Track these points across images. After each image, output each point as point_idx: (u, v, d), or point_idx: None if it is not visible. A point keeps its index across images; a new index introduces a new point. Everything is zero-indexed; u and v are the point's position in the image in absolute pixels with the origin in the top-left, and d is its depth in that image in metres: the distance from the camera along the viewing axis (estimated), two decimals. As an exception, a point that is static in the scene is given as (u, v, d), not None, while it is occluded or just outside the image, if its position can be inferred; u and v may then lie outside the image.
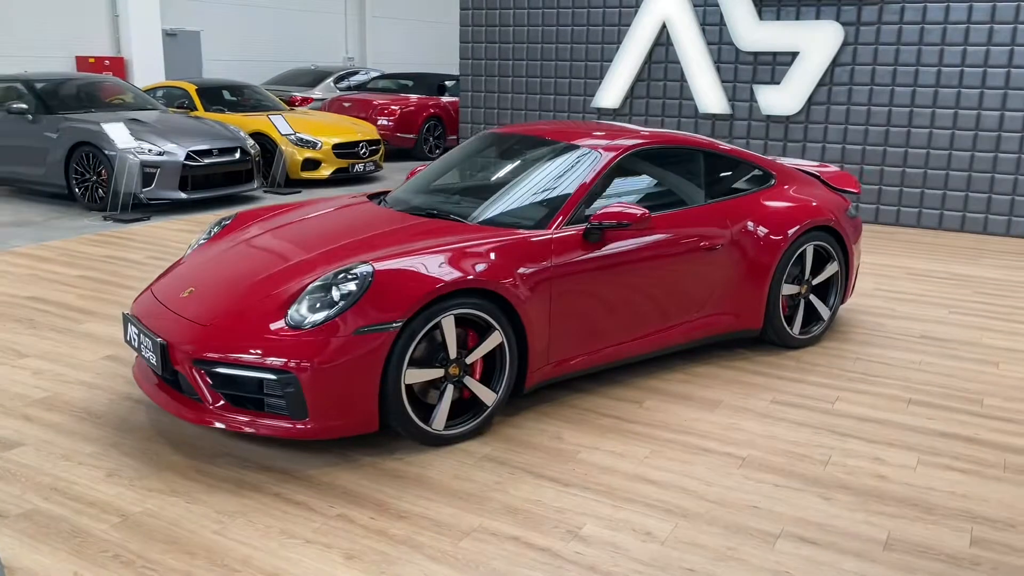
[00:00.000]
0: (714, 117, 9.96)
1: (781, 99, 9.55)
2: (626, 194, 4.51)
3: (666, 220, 4.42)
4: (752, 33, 9.54)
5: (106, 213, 8.83)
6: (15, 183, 9.85)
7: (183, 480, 3.31)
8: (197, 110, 11.71)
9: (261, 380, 3.33)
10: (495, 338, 3.70)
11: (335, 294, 3.42)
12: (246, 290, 3.65)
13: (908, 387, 4.47)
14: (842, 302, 5.26)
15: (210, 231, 4.47)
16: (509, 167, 4.74)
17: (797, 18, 9.36)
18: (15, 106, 9.54)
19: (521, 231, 3.98)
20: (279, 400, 3.33)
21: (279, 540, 2.92)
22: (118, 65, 14.75)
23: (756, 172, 5.07)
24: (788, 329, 4.93)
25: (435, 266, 3.56)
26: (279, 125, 10.51)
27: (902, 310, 5.90)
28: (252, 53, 17.58)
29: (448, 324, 3.55)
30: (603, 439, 3.78)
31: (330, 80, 16.47)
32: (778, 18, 9.45)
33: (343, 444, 3.62)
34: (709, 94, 9.89)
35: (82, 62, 14.28)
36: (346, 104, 14.46)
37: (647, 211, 4.09)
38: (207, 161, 9.30)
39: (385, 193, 4.94)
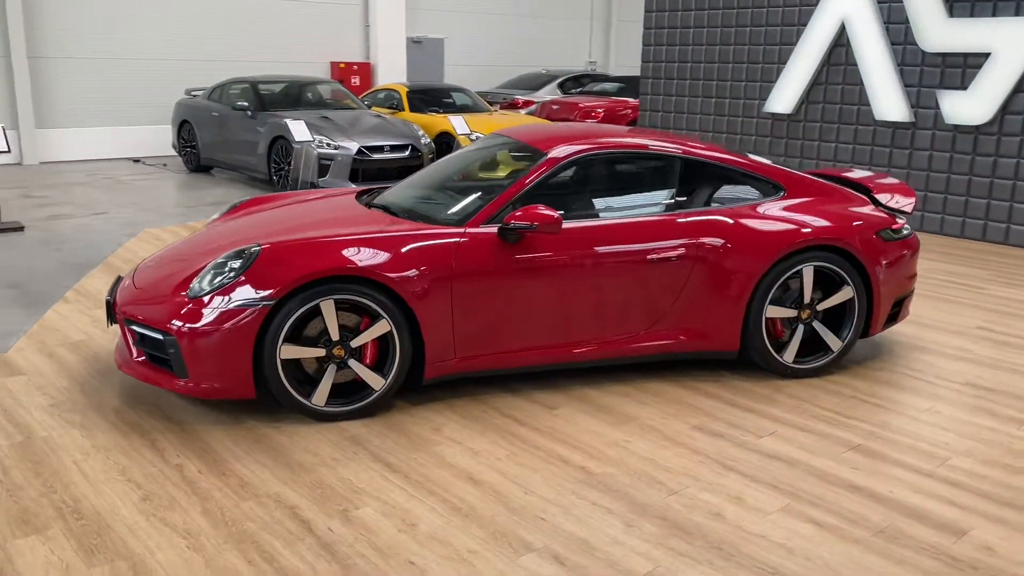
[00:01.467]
0: (893, 125, 9.00)
1: (969, 106, 8.40)
2: (574, 199, 4.44)
3: (610, 228, 4.28)
4: (940, 32, 8.50)
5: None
6: (238, 170, 11.49)
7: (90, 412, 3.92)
8: (403, 110, 12.80)
9: (156, 339, 3.83)
10: (382, 326, 3.89)
11: (226, 269, 3.83)
12: (190, 264, 4.17)
13: (872, 435, 3.93)
14: (870, 333, 4.67)
15: (224, 212, 5.09)
16: (478, 168, 4.84)
17: (993, 14, 8.17)
18: (239, 104, 11.15)
19: (436, 227, 4.11)
20: (168, 359, 3.81)
21: (112, 476, 3.39)
22: (365, 70, 16.44)
23: (757, 183, 4.68)
24: (776, 356, 4.51)
25: (324, 251, 3.83)
26: (457, 125, 11.19)
27: (977, 350, 5.08)
28: (493, 59, 18.62)
29: (327, 307, 3.80)
30: (476, 437, 3.81)
31: (555, 84, 17.01)
32: (971, 15, 8.32)
33: (241, 406, 4.03)
34: (888, 100, 8.96)
35: (334, 67, 16.12)
36: (555, 107, 14.90)
37: (557, 215, 4.02)
38: (377, 156, 10.20)
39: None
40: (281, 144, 10.30)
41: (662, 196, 4.57)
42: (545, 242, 4.14)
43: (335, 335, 3.86)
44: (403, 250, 3.94)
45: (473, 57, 18.39)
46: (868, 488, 3.42)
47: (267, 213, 4.76)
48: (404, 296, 3.89)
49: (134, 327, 3.93)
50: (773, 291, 4.42)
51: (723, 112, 10.65)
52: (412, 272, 3.90)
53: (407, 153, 10.48)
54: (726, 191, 4.65)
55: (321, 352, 3.87)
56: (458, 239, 4.04)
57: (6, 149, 7.87)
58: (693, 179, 4.62)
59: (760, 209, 4.54)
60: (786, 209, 4.58)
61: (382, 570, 2.80)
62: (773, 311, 4.46)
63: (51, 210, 9.24)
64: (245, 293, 3.72)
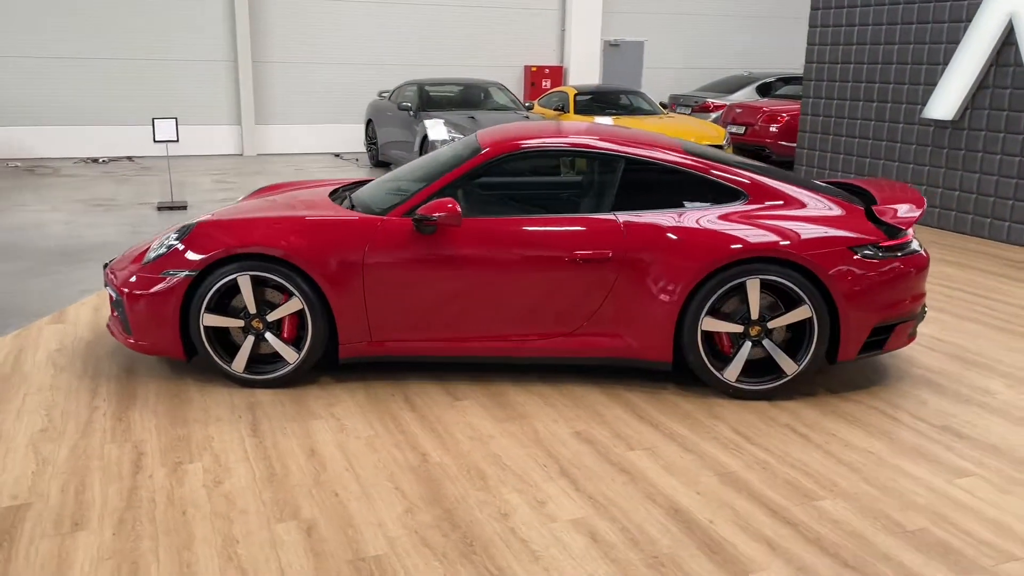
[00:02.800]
0: (1065, 135, 7.76)
1: None
2: (505, 195, 4.44)
3: (530, 224, 4.25)
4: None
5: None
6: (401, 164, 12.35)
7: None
8: (568, 112, 13.01)
9: (115, 300, 4.42)
10: (294, 304, 4.20)
11: (168, 241, 4.33)
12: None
13: (755, 464, 3.59)
14: (837, 359, 4.21)
15: (246, 195, 5.65)
16: (440, 162, 4.97)
17: None
18: (403, 104, 11.98)
19: (356, 215, 4.33)
20: (121, 317, 4.39)
21: (39, 409, 4.00)
22: (556, 74, 16.80)
23: (713, 189, 4.38)
24: (716, 372, 4.22)
25: (245, 231, 4.21)
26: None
27: (1004, 394, 4.38)
28: (696, 61, 18.19)
29: (244, 282, 4.17)
30: (359, 417, 3.99)
31: (752, 87, 16.30)
32: None
33: (202, 366, 4.52)
34: (1060, 105, 7.74)
35: (527, 71, 16.65)
36: (738, 111, 14.33)
37: (454, 210, 4.08)
38: (512, 155, 10.48)
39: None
40: (428, 142, 10.93)
41: (597, 196, 4.43)
42: (461, 235, 4.20)
43: (251, 308, 4.22)
44: (318, 235, 4.20)
45: (672, 60, 18.09)
46: (688, 513, 3.16)
47: (265, 198, 5.23)
48: (315, 277, 4.15)
49: (108, 288, 4.55)
50: (711, 302, 4.13)
51: (883, 118, 9.72)
52: (324, 256, 4.15)
53: (544, 153, 10.64)
54: (673, 195, 4.39)
55: (239, 323, 4.24)
56: (373, 228, 4.23)
57: (175, 139, 9.13)
58: (636, 181, 4.42)
59: (703, 215, 4.26)
60: (735, 217, 4.25)
61: (157, 520, 3.09)
62: (712, 324, 4.17)
63: (228, 193, 10.53)
64: (175, 263, 4.18)
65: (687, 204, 4.34)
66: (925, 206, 4.50)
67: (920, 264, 4.32)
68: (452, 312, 4.27)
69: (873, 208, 4.40)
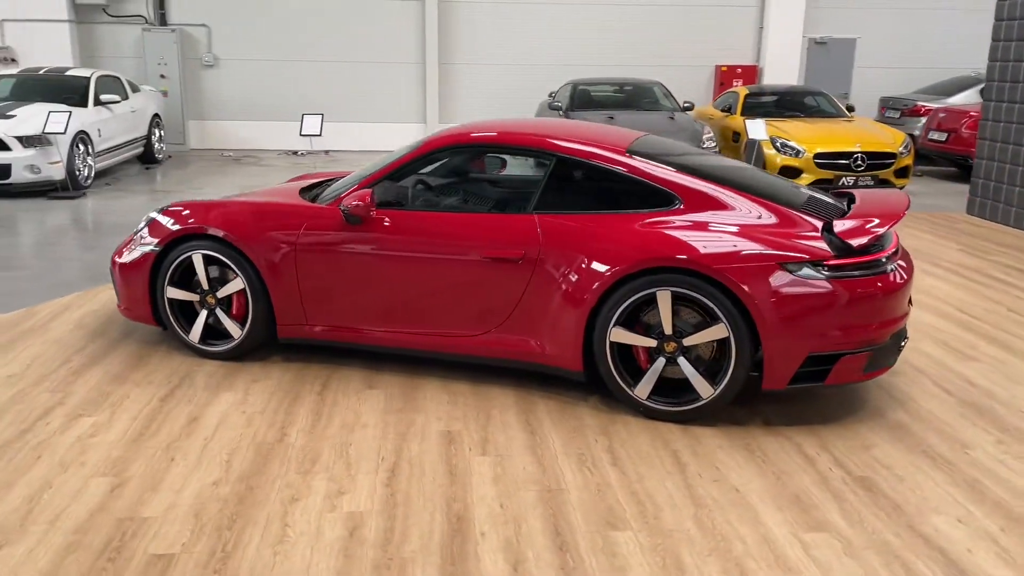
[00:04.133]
0: None
1: None
2: (437, 189, 4.43)
3: (451, 220, 4.22)
4: None
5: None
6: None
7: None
8: (735, 113, 12.41)
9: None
10: (237, 283, 4.51)
11: (147, 218, 4.80)
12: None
13: (591, 486, 3.34)
14: (763, 387, 3.78)
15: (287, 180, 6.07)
16: (395, 157, 4.97)
17: None
18: (555, 103, 12.08)
19: (296, 204, 4.54)
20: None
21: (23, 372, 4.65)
22: (749, 73, 15.98)
23: (646, 192, 4.07)
24: (626, 388, 3.96)
25: (200, 213, 4.57)
26: (751, 129, 10.57)
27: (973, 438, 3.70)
28: (913, 60, 16.45)
29: (197, 259, 4.55)
30: (262, 395, 4.21)
31: (975, 89, 14.50)
32: None
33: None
34: None
35: (718, 70, 15.99)
36: (941, 116, 12.89)
37: (364, 200, 4.15)
38: (643, 157, 10.22)
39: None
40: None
41: (525, 194, 4.28)
42: (383, 228, 4.28)
43: (204, 285, 4.58)
44: (259, 220, 4.47)
45: (887, 59, 16.50)
46: (466, 522, 3.03)
47: (283, 184, 5.61)
48: (253, 260, 4.43)
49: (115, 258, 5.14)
50: (619, 313, 3.88)
51: (1066, 124, 8.30)
52: (262, 239, 4.42)
53: (678, 156, 10.27)
54: (602, 197, 4.15)
55: (195, 297, 4.62)
56: (307, 216, 4.42)
57: (318, 134, 9.91)
58: (565, 180, 4.22)
59: (624, 220, 3.98)
60: (658, 223, 3.94)
61: (17, 457, 3.52)
62: (622, 336, 3.91)
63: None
64: (145, 239, 4.66)
65: (614, 207, 4.09)
66: (896, 222, 3.88)
67: (888, 287, 3.75)
68: (375, 303, 4.35)
69: (834, 223, 3.88)
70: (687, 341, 3.84)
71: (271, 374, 4.44)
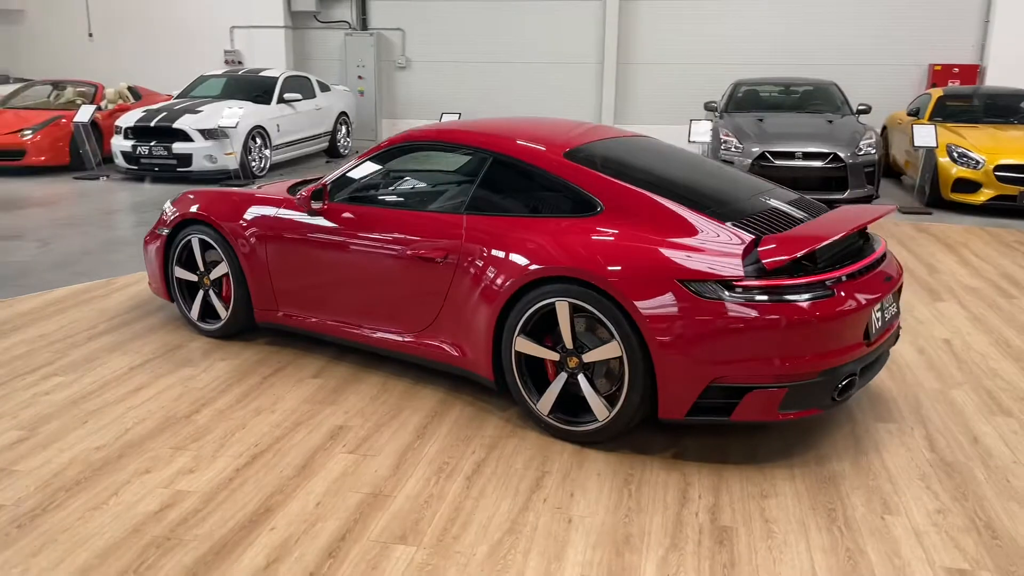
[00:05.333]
0: None
1: None
2: (386, 186, 4.44)
3: (390, 217, 4.22)
4: None
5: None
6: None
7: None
8: (921, 119, 11.16)
9: (146, 250, 5.50)
10: (223, 267, 4.83)
11: (167, 204, 5.26)
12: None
13: (396, 493, 3.22)
14: (659, 415, 3.44)
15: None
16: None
17: None
18: (710, 104, 11.54)
19: (277, 197, 4.74)
20: (153, 265, 5.44)
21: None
22: (968, 73, 14.18)
23: (570, 196, 3.81)
24: (529, 401, 3.76)
25: (201, 201, 4.93)
26: (919, 135, 9.44)
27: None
28: None
29: (194, 243, 4.93)
30: (211, 370, 4.47)
31: None
32: None
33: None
34: None
35: (930, 70, 14.34)
36: None
37: (304, 195, 4.26)
38: (783, 163, 9.50)
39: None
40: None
41: (462, 194, 4.17)
42: (335, 221, 4.37)
43: (200, 267, 4.95)
44: (241, 210, 4.74)
45: None
46: (183, 507, 3.06)
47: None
48: (233, 246, 4.72)
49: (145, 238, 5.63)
50: (523, 321, 3.69)
51: None
52: (239, 227, 4.69)
53: (825, 162, 9.43)
54: (531, 200, 3.94)
55: (195, 278, 5.00)
56: (278, 207, 4.62)
57: None
58: (500, 181, 4.05)
59: (540, 224, 3.77)
60: (571, 229, 3.69)
61: (-25, 402, 4.04)
62: (525, 346, 3.72)
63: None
64: (161, 223, 5.11)
65: (538, 211, 3.89)
66: (830, 240, 3.34)
67: (814, 316, 3.26)
68: (327, 295, 4.46)
69: (763, 239, 3.43)
70: (587, 357, 3.57)
71: (241, 355, 4.70)
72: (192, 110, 11.38)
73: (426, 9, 15.71)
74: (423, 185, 4.48)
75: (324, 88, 13.86)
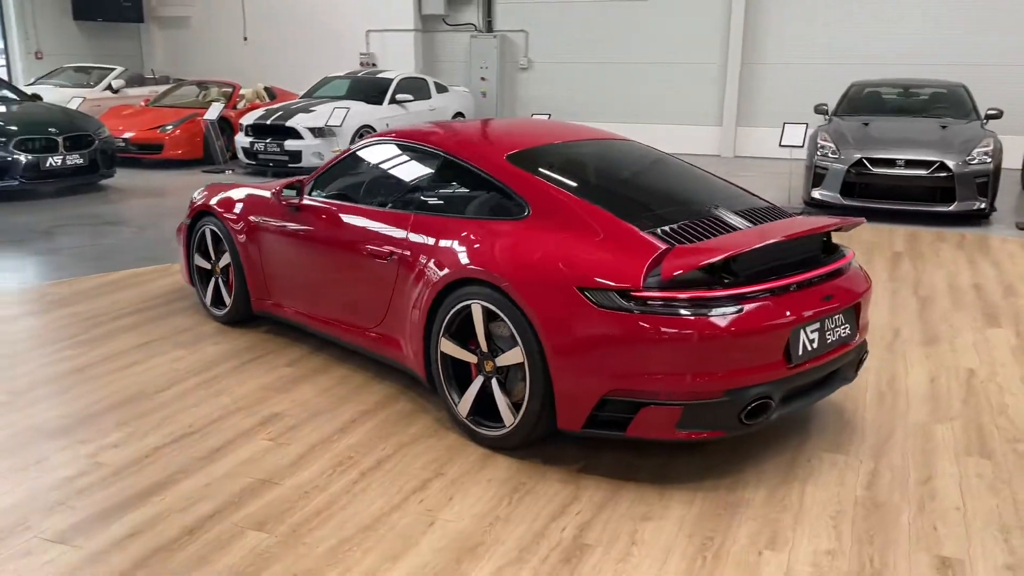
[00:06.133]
0: None
1: None
2: (356, 184, 4.54)
3: (351, 213, 4.34)
4: None
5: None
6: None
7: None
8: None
9: (186, 239, 5.91)
10: (226, 258, 5.13)
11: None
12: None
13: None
14: (558, 425, 3.37)
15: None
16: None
17: None
18: (820, 106, 10.91)
19: (267, 189, 4.97)
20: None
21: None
22: None
23: (504, 197, 3.77)
24: (452, 402, 3.77)
25: (213, 195, 5.25)
26: None
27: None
28: None
29: (207, 234, 5.26)
30: (206, 351, 4.75)
31: None
32: None
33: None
34: None
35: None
36: None
37: (276, 189, 4.46)
38: (883, 171, 8.86)
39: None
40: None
41: (414, 193, 4.19)
42: (308, 216, 4.55)
43: (212, 255, 5.27)
44: (239, 203, 5.01)
45: None
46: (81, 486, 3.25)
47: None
48: (233, 236, 5.00)
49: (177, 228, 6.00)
50: (445, 322, 3.71)
51: None
52: (236, 220, 4.97)
53: (929, 171, 8.70)
54: (470, 201, 3.92)
55: (208, 265, 5.33)
56: (268, 202, 4.84)
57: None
58: (446, 181, 4.07)
59: (469, 226, 3.76)
60: (491, 231, 3.66)
61: (-14, 368, 4.51)
62: (448, 346, 3.73)
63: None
64: (187, 214, 5.48)
65: (475, 212, 3.88)
66: (733, 253, 3.13)
67: (717, 331, 3.08)
68: (301, 286, 4.64)
69: (673, 249, 3.28)
70: (499, 361, 3.53)
71: (236, 341, 4.96)
72: (306, 109, 12.03)
73: (550, 10, 15.78)
74: (385, 184, 4.55)
75: (442, 89, 14.24)
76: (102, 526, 3.00)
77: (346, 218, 4.33)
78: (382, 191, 4.37)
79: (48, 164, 9.80)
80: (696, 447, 3.62)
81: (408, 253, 3.94)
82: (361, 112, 12.04)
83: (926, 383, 4.39)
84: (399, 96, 12.90)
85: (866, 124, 9.60)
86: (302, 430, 3.80)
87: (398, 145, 4.43)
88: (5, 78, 13.00)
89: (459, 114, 14.46)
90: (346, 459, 3.52)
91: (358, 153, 4.60)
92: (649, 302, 3.12)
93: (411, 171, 4.32)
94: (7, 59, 17.09)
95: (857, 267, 3.81)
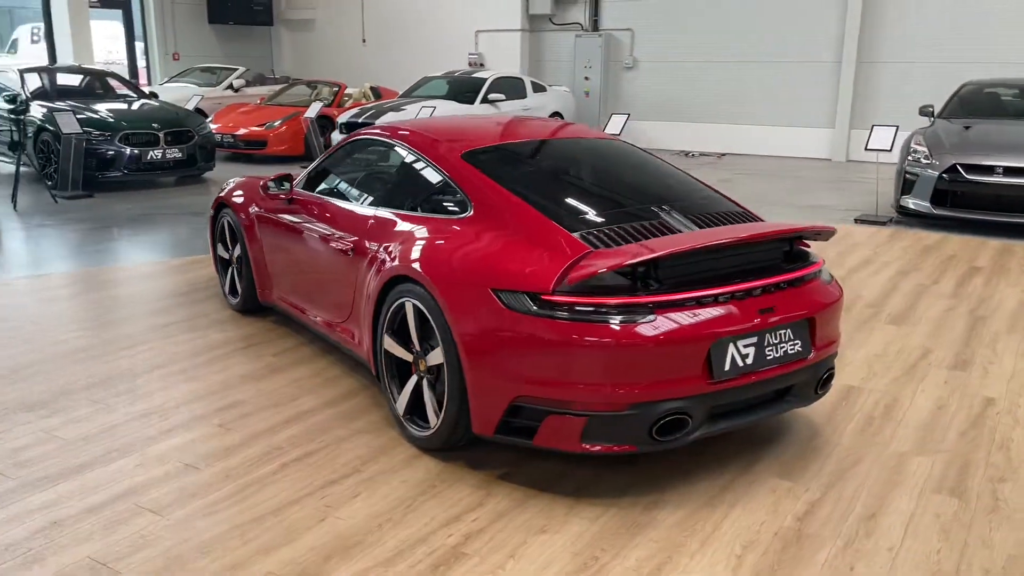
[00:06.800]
0: None
1: None
2: (339, 178, 4.57)
3: (327, 209, 4.39)
4: None
5: (860, 215, 9.17)
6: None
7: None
8: None
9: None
10: (238, 249, 5.32)
11: None
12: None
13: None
14: (473, 429, 3.28)
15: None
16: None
17: None
18: (926, 108, 10.15)
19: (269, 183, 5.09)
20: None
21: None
22: None
23: (455, 196, 3.71)
24: (392, 400, 3.76)
25: (228, 190, 5.45)
26: None
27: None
28: None
29: (225, 225, 5.47)
30: (192, 338, 4.95)
31: None
32: None
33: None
34: None
35: None
36: None
37: (262, 184, 4.56)
38: (975, 178, 8.14)
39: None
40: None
41: (384, 189, 4.19)
42: (295, 209, 4.64)
43: (229, 246, 5.47)
44: (246, 195, 5.18)
45: None
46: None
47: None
48: (242, 227, 5.18)
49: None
50: (388, 319, 3.69)
51: None
52: (243, 212, 5.13)
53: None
54: (427, 198, 3.86)
55: (227, 256, 5.53)
56: (266, 196, 4.97)
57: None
58: (411, 178, 4.04)
59: (417, 223, 3.73)
60: (432, 229, 3.61)
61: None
62: (390, 343, 3.71)
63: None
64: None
65: (427, 209, 3.84)
66: (660, 256, 2.94)
67: (629, 340, 2.92)
68: (289, 279, 4.75)
69: (590, 254, 3.13)
70: (428, 360, 3.48)
71: (240, 329, 5.13)
72: (397, 108, 12.30)
73: (657, 8, 15.44)
74: (357, 179, 4.56)
75: (539, 89, 14.22)
76: (20, 496, 3.16)
77: (322, 213, 4.39)
78: (354, 186, 4.40)
79: (149, 157, 10.47)
80: (633, 460, 3.43)
81: (367, 248, 3.93)
82: (449, 111, 12.18)
83: (929, 410, 3.99)
84: (491, 96, 12.97)
85: (967, 128, 8.84)
86: (253, 419, 3.87)
87: (374, 141, 4.44)
88: (126, 77, 13.92)
89: (556, 114, 14.38)
90: (276, 449, 3.56)
91: (342, 148, 4.64)
92: (556, 307, 2.98)
93: (380, 167, 4.33)
94: (147, 60, 18.41)
95: (826, 278, 3.51)
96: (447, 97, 12.97)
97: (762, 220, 3.67)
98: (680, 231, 3.33)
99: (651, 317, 2.95)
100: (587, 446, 3.04)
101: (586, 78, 16.12)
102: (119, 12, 18.05)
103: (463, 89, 13.15)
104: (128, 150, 10.31)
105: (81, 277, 6.32)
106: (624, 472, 3.36)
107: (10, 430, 3.73)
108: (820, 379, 3.41)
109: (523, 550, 2.84)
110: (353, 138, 4.59)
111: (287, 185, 4.75)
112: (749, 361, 3.10)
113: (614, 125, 10.22)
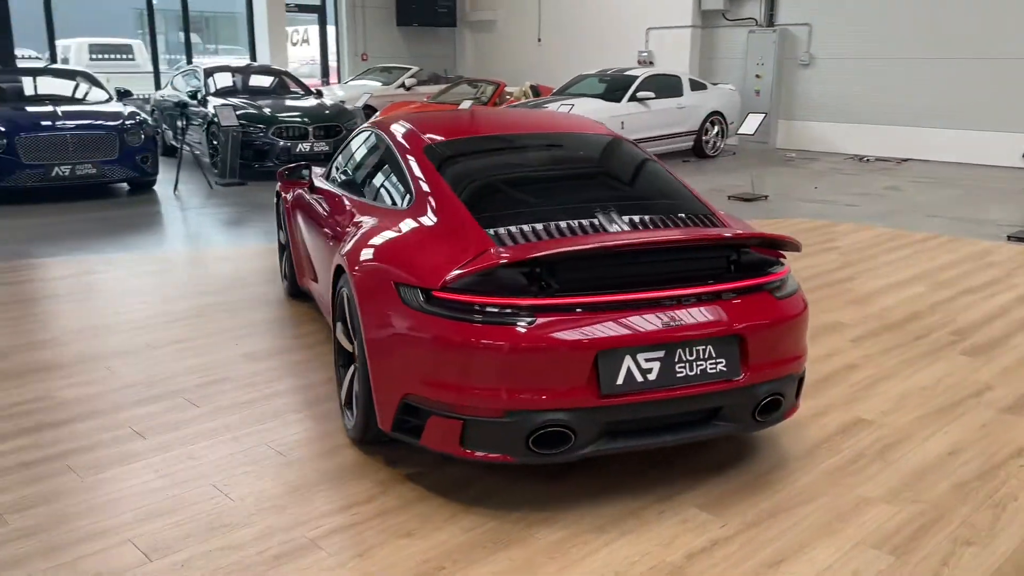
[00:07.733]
0: None
1: None
2: (341, 169, 4.64)
3: (328, 198, 4.49)
4: None
5: (1016, 232, 8.07)
6: None
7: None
8: None
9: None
10: (280, 235, 5.57)
11: None
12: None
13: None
14: (379, 424, 3.24)
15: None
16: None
17: None
18: None
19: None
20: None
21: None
22: None
23: (404, 188, 3.66)
24: (339, 393, 3.79)
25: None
26: None
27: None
28: None
29: (281, 211, 5.75)
30: (231, 321, 5.21)
31: None
32: None
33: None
34: None
35: None
36: None
37: (279, 171, 4.73)
38: None
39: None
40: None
41: (364, 178, 4.19)
42: (308, 199, 4.79)
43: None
44: (287, 184, 5.40)
45: None
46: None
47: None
48: (284, 212, 5.42)
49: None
50: (337, 307, 3.73)
51: None
52: (284, 197, 5.37)
53: None
54: (388, 189, 3.84)
55: (282, 239, 5.81)
56: (294, 186, 5.16)
57: (752, 132, 9.49)
58: (385, 168, 4.01)
59: (376, 213, 3.72)
60: (374, 220, 3.60)
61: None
62: (340, 333, 3.74)
63: (832, 197, 10.04)
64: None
65: (384, 201, 3.84)
66: (550, 254, 2.75)
67: (504, 344, 2.78)
68: (308, 267, 4.89)
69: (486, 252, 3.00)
70: (357, 351, 3.47)
71: (280, 310, 5.36)
72: (539, 106, 12.30)
73: (839, 2, 14.37)
74: (352, 170, 4.59)
75: (698, 87, 13.70)
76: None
77: (326, 202, 4.49)
78: (349, 177, 4.47)
79: (298, 150, 11.17)
80: (554, 473, 3.22)
81: (341, 238, 3.98)
82: (590, 109, 12.02)
83: (937, 455, 3.44)
84: (640, 94, 12.66)
85: None
86: (227, 395, 4.03)
87: (370, 133, 4.49)
88: (297, 77, 14.90)
89: (716, 113, 13.78)
90: (223, 428, 3.69)
91: (352, 139, 4.73)
92: (444, 304, 2.87)
93: (368, 159, 4.36)
94: (338, 59, 19.66)
95: (787, 292, 3.12)
96: (601, 96, 12.80)
97: (729, 226, 3.32)
98: (609, 232, 3.09)
99: (529, 320, 2.76)
100: (468, 451, 2.90)
101: (757, 76, 15.30)
102: (314, 16, 19.41)
103: (614, 87, 12.93)
104: (280, 142, 11.06)
105: (156, 260, 6.87)
106: (537, 485, 3.17)
107: (8, 391, 4.12)
108: (759, 404, 3.03)
109: (376, 551, 2.76)
110: (360, 129, 4.65)
111: (305, 174, 4.90)
112: (652, 376, 2.82)
113: (749, 124, 9.64)
